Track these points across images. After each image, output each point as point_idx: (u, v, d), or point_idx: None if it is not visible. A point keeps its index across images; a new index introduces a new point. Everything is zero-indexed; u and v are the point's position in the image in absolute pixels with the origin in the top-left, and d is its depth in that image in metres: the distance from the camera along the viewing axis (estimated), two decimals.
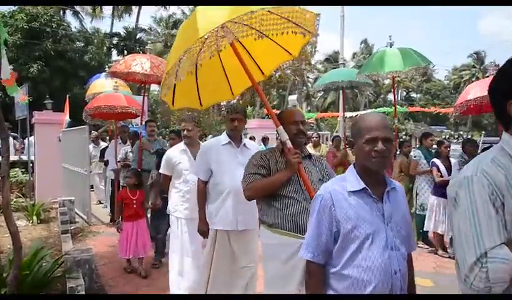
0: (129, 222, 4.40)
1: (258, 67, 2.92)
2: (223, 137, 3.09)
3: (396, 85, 6.09)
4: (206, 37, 2.23)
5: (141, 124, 6.04)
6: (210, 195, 3.05)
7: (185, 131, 3.66)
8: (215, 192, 3.00)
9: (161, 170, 3.82)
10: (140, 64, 5.16)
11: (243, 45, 2.70)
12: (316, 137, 7.77)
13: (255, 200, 2.80)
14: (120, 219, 4.51)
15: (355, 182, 1.56)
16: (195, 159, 3.42)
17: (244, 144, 3.08)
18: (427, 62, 5.14)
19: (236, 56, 2.43)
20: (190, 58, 2.29)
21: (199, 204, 3.09)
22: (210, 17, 2.20)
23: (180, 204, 3.59)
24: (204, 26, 2.15)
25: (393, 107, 6.66)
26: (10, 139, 9.60)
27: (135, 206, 4.42)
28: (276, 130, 2.42)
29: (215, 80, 2.94)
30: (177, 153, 3.70)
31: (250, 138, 9.18)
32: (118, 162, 6.20)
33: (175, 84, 2.54)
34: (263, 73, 2.97)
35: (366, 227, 1.50)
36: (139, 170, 5.27)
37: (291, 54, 2.79)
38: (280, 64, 2.93)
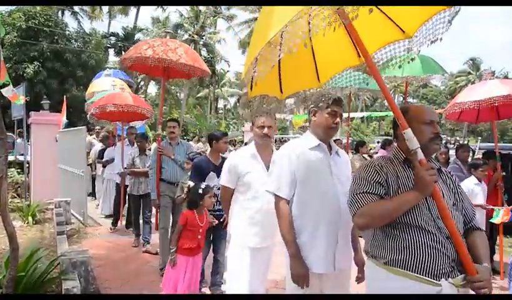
0: (187, 256, 3.23)
1: (355, 47, 2.18)
2: (309, 138, 2.28)
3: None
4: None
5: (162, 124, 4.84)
6: (296, 221, 2.20)
7: (266, 129, 2.73)
8: (306, 215, 2.16)
9: (222, 182, 2.95)
10: (151, 47, 4.18)
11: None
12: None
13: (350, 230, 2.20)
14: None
15: None
16: (267, 168, 2.63)
17: (336, 152, 2.33)
18: (444, 72, 5.22)
19: (350, 33, 1.80)
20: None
21: (287, 234, 2.15)
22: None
23: (248, 227, 2.72)
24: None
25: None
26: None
27: (199, 237, 3.25)
28: (397, 134, 1.80)
29: (300, 65, 2.29)
30: (245, 159, 2.79)
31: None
32: (125, 168, 5.88)
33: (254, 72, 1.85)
34: (359, 56, 2.20)
35: None
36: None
37: (404, 33, 2.07)
38: (386, 45, 2.15)
